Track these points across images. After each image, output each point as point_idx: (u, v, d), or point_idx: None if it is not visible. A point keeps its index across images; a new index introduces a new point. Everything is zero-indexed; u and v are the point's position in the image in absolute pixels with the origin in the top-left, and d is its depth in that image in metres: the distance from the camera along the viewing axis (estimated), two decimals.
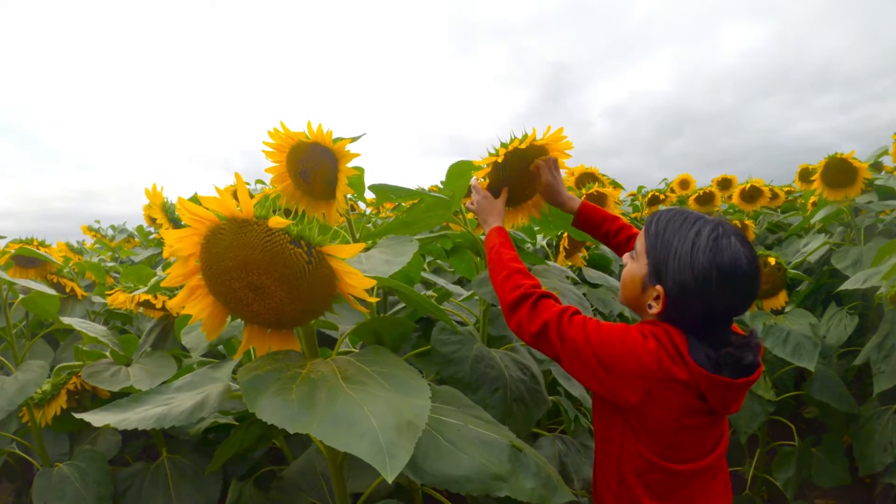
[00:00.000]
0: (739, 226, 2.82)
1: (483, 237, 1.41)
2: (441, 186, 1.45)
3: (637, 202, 5.20)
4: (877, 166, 3.13)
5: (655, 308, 0.86)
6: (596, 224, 1.24)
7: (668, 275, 0.83)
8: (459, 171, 1.38)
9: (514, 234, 1.76)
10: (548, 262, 1.69)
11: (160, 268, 1.78)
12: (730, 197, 4.38)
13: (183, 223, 1.09)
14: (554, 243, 2.22)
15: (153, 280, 1.54)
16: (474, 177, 1.29)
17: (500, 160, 1.16)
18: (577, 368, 0.86)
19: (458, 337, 1.22)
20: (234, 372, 0.99)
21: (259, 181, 3.93)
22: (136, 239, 3.67)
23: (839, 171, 2.42)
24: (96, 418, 0.72)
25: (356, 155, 1.13)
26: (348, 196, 1.31)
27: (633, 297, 0.92)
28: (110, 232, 3.83)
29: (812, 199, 3.67)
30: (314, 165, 1.21)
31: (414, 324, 1.19)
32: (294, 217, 0.68)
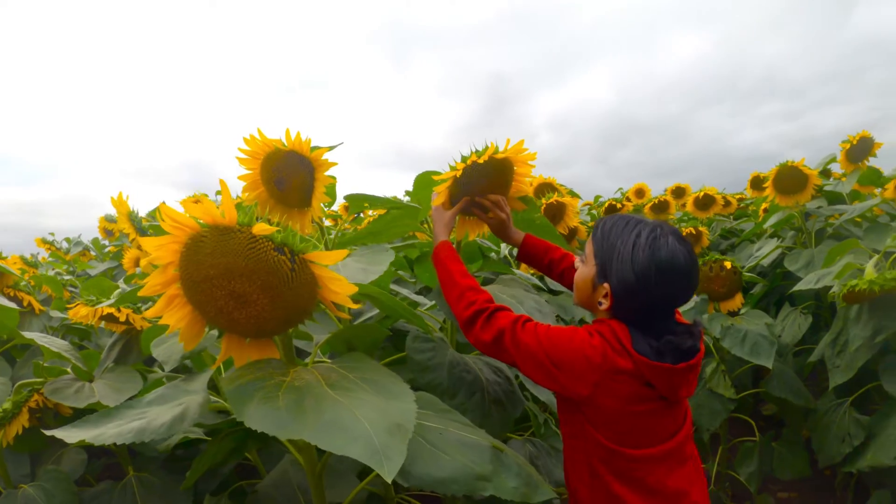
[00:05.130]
0: (694, 232, 2.95)
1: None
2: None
3: (594, 211, 5.37)
4: (826, 173, 3.33)
5: (605, 304, 0.95)
6: (539, 255, 1.32)
7: (612, 273, 0.93)
8: (426, 181, 1.41)
9: (481, 242, 1.79)
10: (514, 270, 1.72)
11: (122, 280, 1.72)
12: (683, 205, 4.57)
13: (149, 232, 1.07)
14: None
15: (116, 292, 1.49)
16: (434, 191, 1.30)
17: (458, 175, 1.17)
18: (532, 369, 0.94)
19: (432, 344, 1.23)
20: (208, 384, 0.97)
21: (221, 191, 3.84)
22: (92, 252, 3.52)
23: (790, 178, 2.55)
24: (68, 434, 0.69)
25: (333, 164, 1.14)
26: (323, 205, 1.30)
27: (586, 296, 1.01)
28: (65, 245, 3.67)
29: (763, 205, 3.86)
30: (290, 174, 1.20)
31: (388, 331, 1.19)
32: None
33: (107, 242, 3.11)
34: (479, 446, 0.76)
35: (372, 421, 0.54)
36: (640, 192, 5.26)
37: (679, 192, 4.74)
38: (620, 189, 5.97)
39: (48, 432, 0.73)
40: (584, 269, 1.01)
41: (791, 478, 2.29)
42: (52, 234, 3.64)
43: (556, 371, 0.90)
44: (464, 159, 1.18)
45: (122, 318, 1.32)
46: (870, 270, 1.84)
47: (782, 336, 2.54)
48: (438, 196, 1.22)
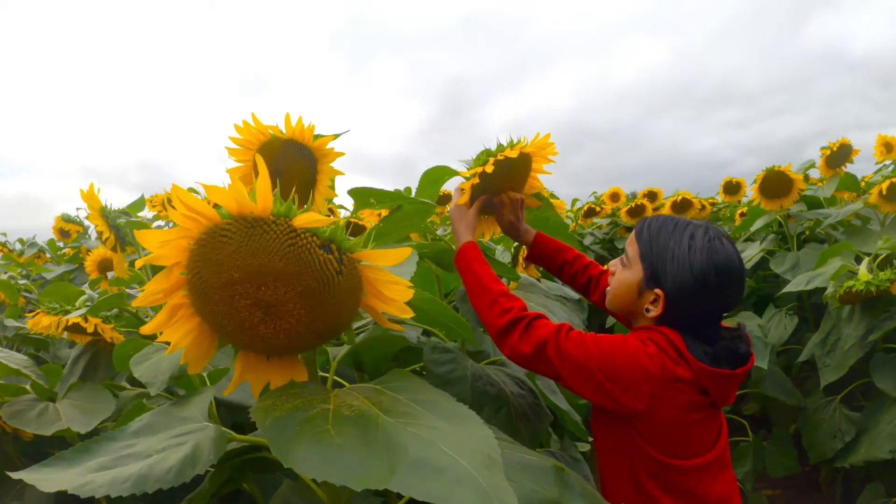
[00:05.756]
0: None
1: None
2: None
3: (571, 215, 5.39)
4: (805, 178, 3.41)
5: (654, 311, 0.89)
6: (552, 255, 1.26)
7: (667, 277, 0.87)
8: (433, 177, 1.32)
9: (485, 244, 1.70)
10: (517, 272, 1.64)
11: (86, 285, 1.53)
12: (655, 209, 4.64)
13: (124, 230, 0.91)
14: (512, 254, 2.19)
15: (81, 299, 1.31)
16: (457, 185, 1.23)
17: (489, 170, 1.09)
18: (579, 382, 0.87)
19: (452, 354, 1.12)
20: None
21: (191, 190, 3.61)
22: (48, 255, 3.22)
23: (777, 183, 2.59)
24: (41, 479, 0.54)
25: (340, 154, 1.02)
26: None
27: (628, 303, 0.95)
28: (18, 246, 3.34)
29: (740, 210, 3.95)
30: (288, 166, 1.08)
31: (407, 340, 1.09)
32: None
33: (62, 244, 2.84)
34: (542, 467, 0.67)
35: (465, 456, 0.43)
36: (614, 196, 5.31)
37: (652, 196, 4.82)
38: (594, 192, 6.03)
39: (14, 475, 0.58)
40: (627, 272, 0.95)
41: (782, 475, 2.32)
42: (5, 234, 3.31)
43: (610, 384, 0.84)
44: (488, 153, 1.11)
45: (90, 329, 1.14)
46: (863, 272, 1.86)
47: (769, 337, 2.56)
48: (464, 194, 1.14)
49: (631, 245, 0.96)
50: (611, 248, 4.83)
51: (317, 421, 0.48)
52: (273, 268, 0.49)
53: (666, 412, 0.84)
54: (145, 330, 0.56)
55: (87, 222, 2.73)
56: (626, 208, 4.63)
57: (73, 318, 1.08)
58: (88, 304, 1.16)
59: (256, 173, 1.11)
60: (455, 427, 0.51)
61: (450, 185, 1.32)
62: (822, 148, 2.69)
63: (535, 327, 0.91)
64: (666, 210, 4.42)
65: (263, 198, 0.48)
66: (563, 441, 1.52)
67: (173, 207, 0.48)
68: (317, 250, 0.49)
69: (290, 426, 0.46)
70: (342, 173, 1.03)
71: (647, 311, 0.90)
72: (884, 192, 2.16)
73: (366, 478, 0.40)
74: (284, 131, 0.99)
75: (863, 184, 2.86)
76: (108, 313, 1.33)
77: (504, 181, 1.19)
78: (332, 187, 1.25)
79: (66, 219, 2.58)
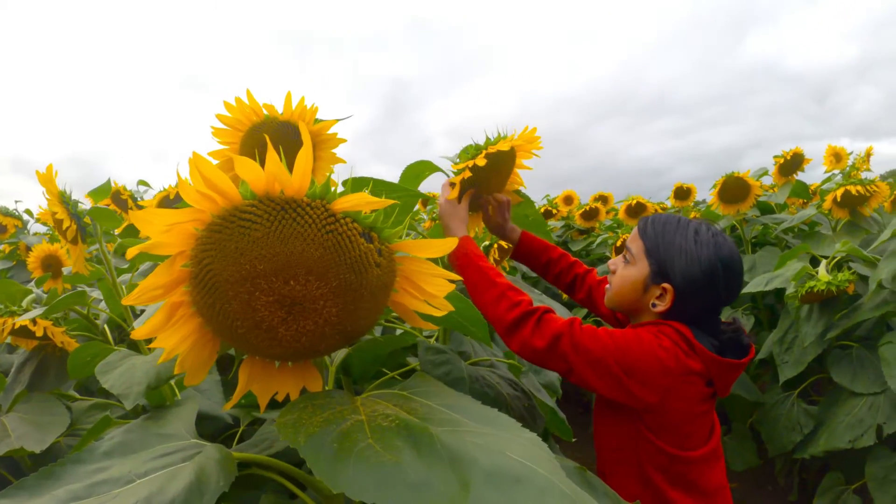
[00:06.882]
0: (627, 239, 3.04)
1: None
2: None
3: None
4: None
5: (661, 306, 0.90)
6: (537, 254, 1.26)
7: (675, 272, 0.89)
8: (415, 172, 1.28)
9: None
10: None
11: (33, 283, 1.37)
12: (608, 212, 4.78)
13: (86, 219, 0.83)
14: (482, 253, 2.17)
15: (29, 298, 1.16)
16: (446, 181, 1.19)
17: (481, 163, 1.06)
18: (593, 377, 0.87)
19: (446, 355, 1.08)
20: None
21: (141, 182, 3.38)
22: None
23: (735, 189, 2.70)
24: None
25: (342, 140, 0.94)
26: None
27: (633, 299, 0.96)
28: None
29: (693, 214, 4.11)
30: (283, 152, 0.99)
31: (401, 341, 1.03)
32: None
33: None
34: (566, 468, 0.64)
35: (537, 462, 0.39)
36: (568, 199, 5.42)
37: (604, 200, 4.96)
38: (547, 196, 6.13)
39: None
40: (632, 269, 0.96)
41: (742, 468, 2.41)
42: None
43: (627, 379, 0.84)
44: (478, 148, 1.08)
45: (39, 333, 1.01)
46: (823, 273, 1.95)
47: None
48: (454, 189, 1.10)
49: (634, 242, 0.97)
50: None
51: (355, 435, 0.41)
52: (307, 258, 0.42)
53: (678, 405, 0.85)
54: (138, 334, 0.48)
55: (25, 216, 2.48)
56: (580, 211, 4.73)
57: (24, 320, 0.94)
58: (36, 304, 1.02)
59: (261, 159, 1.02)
60: (503, 432, 0.46)
61: (430, 181, 1.28)
62: (776, 156, 2.83)
63: (547, 321, 0.90)
64: (621, 213, 4.53)
65: (302, 175, 0.41)
66: (548, 442, 1.51)
67: (186, 181, 0.40)
68: (358, 239, 0.43)
69: (326, 443, 0.40)
70: (343, 161, 0.96)
71: (654, 305, 0.92)
72: (838, 199, 2.29)
73: (437, 498, 0.34)
74: (282, 112, 0.91)
75: (811, 191, 3.03)
76: (57, 315, 1.19)
77: (491, 176, 1.16)
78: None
79: (4, 212, 2.33)
